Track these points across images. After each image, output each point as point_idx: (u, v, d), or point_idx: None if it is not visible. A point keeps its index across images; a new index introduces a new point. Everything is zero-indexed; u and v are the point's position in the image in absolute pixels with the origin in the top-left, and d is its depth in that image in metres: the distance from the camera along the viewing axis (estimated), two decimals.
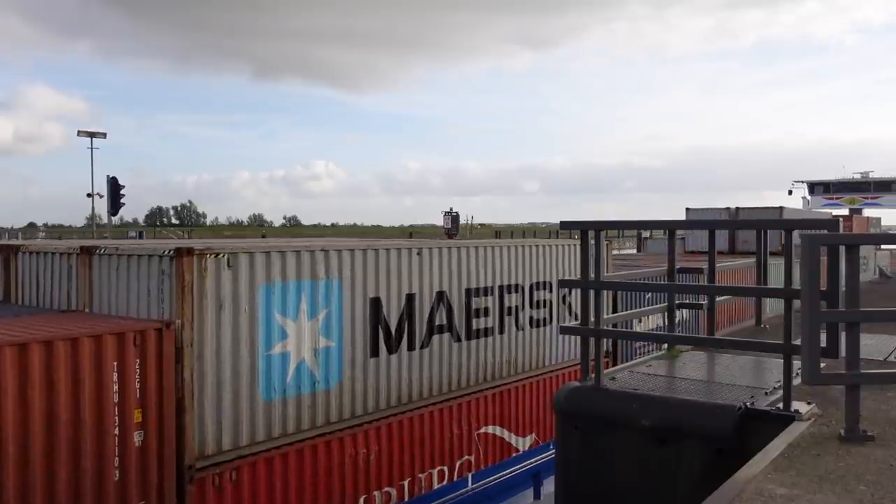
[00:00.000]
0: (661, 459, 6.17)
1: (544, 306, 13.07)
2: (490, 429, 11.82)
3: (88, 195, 46.33)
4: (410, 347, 10.38)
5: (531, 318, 12.76)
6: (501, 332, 12.05)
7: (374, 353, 9.87)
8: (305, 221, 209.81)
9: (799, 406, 5.98)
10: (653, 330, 14.05)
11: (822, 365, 5.29)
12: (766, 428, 5.66)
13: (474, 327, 11.50)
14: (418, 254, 10.48)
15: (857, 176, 59.54)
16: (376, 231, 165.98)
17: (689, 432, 6.05)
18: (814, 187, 59.50)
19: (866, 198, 57.66)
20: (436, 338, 10.80)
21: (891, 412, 5.97)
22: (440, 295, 10.87)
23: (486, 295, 11.73)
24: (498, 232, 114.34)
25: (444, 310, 10.94)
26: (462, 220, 74.03)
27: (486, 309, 11.75)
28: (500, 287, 12.02)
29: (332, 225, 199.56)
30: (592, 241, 7.03)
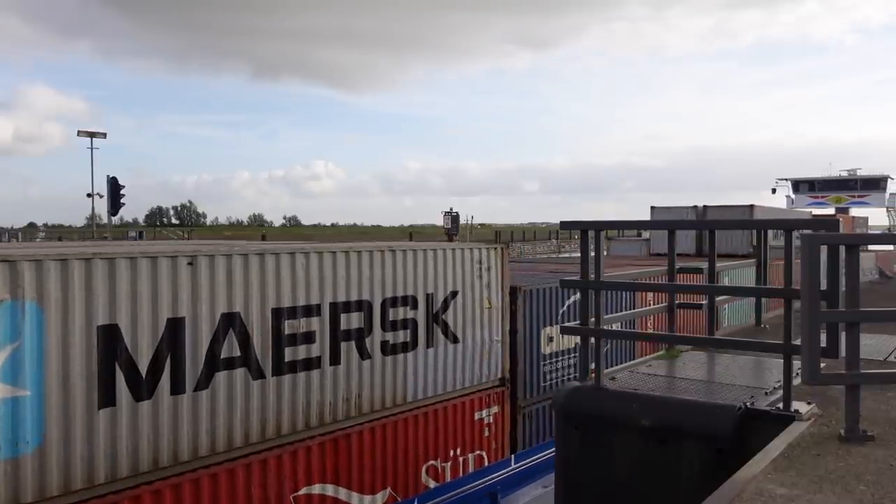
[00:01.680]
0: (661, 459, 6.17)
1: (405, 327, 10.36)
2: (317, 488, 9.15)
3: (88, 195, 46.39)
4: (176, 390, 7.72)
5: (385, 343, 10.08)
6: (335, 362, 9.38)
7: (109, 401, 7.24)
8: (305, 221, 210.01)
9: (799, 406, 5.98)
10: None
11: (822, 365, 5.29)
12: (766, 428, 5.66)
13: (288, 359, 8.82)
14: (189, 264, 7.83)
15: (844, 173, 57.30)
16: (376, 231, 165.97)
17: (689, 432, 6.05)
18: (798, 185, 57.32)
19: (853, 196, 55.56)
20: (221, 375, 8.13)
21: (891, 412, 5.97)
22: (228, 318, 8.22)
23: (307, 315, 9.06)
24: (498, 232, 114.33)
25: (236, 337, 8.30)
26: (462, 220, 74.09)
27: (310, 334, 9.11)
28: (334, 305, 9.36)
29: (332, 225, 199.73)
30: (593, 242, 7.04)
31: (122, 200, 42.83)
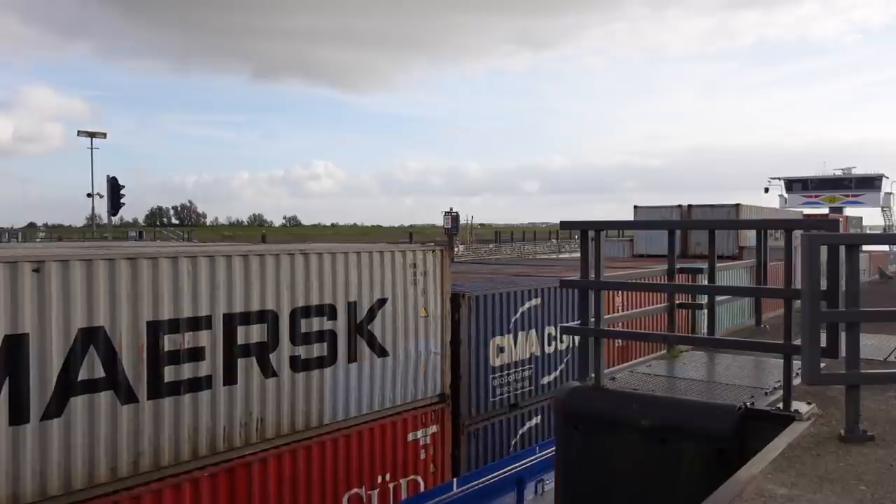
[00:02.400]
0: (661, 459, 6.17)
1: (321, 340, 9.13)
2: None
3: (88, 195, 46.45)
4: (17, 419, 6.58)
5: (295, 358, 8.86)
6: (230, 381, 8.12)
7: None
8: (306, 221, 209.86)
9: (799, 406, 5.99)
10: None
11: (822, 365, 5.29)
12: (766, 428, 5.66)
13: (169, 379, 7.65)
14: (35, 270, 6.67)
15: (839, 172, 55.82)
16: (376, 231, 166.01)
17: (689, 432, 6.05)
18: (791, 184, 56.01)
19: (847, 195, 54.26)
20: (78, 400, 6.97)
21: (891, 412, 5.98)
22: (89, 333, 7.04)
23: (194, 329, 7.88)
24: (498, 232, 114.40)
25: (99, 356, 7.15)
26: (462, 220, 74.16)
27: (198, 350, 7.91)
28: (229, 316, 8.13)
29: (333, 225, 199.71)
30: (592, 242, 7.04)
31: (122, 200, 42.90)
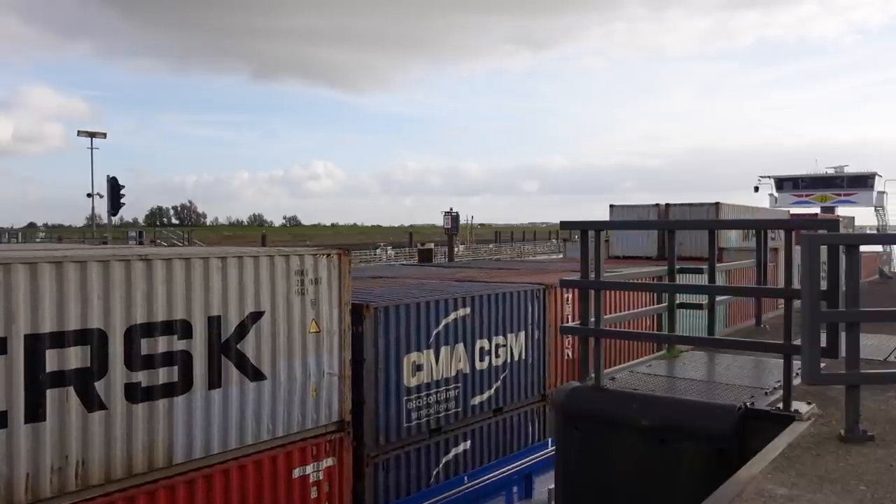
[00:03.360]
0: (661, 459, 6.17)
1: (169, 363, 7.67)
2: None
3: (88, 195, 46.41)
4: None
5: (133, 385, 7.37)
6: (35, 418, 6.65)
7: None
8: (305, 221, 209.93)
9: (799, 406, 5.99)
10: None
11: (822, 365, 5.29)
12: (766, 428, 5.67)
13: None
14: None
15: (831, 171, 53.57)
16: (376, 231, 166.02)
17: (689, 432, 6.05)
18: (782, 183, 53.65)
19: (839, 195, 51.90)
20: None
21: (891, 412, 5.98)
22: None
23: None
24: (498, 232, 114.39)
25: None
26: (462, 220, 74.11)
27: None
28: (33, 337, 6.68)
29: (333, 225, 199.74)
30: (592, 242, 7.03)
31: (122, 200, 42.87)
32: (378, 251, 76.49)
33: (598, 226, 7.04)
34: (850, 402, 5.27)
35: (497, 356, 12.19)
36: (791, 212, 41.27)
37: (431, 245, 64.43)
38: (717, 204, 22.87)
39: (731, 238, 23.18)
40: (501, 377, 12.26)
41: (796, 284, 5.57)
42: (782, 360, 6.08)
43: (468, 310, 11.47)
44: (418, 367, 10.63)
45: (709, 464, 5.87)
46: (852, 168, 52.89)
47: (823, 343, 5.40)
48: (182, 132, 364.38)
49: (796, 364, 5.78)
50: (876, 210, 52.08)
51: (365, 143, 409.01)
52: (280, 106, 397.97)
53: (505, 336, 12.38)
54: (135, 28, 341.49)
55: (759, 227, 9.67)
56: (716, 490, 4.37)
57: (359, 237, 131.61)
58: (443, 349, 11.05)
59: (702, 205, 23.10)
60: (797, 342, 5.46)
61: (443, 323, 11.05)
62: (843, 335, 5.39)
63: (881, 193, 52.19)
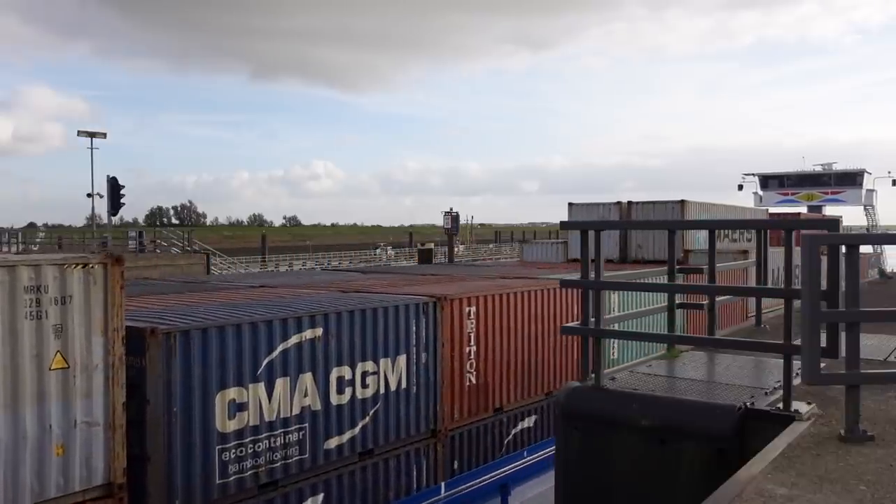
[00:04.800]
0: (661, 459, 6.17)
1: None
2: None
3: (88, 195, 46.35)
4: None
5: None
6: None
7: None
8: (305, 221, 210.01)
9: (799, 406, 5.99)
10: None
11: (822, 365, 5.29)
12: (766, 428, 5.66)
13: None
14: None
15: (819, 168, 51.34)
16: (377, 231, 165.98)
17: (689, 432, 6.05)
18: (767, 181, 51.37)
19: (826, 193, 49.63)
20: None
21: (891, 412, 5.98)
22: None
23: None
24: (498, 232, 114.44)
25: None
26: (462, 220, 74.09)
27: None
28: None
29: (333, 225, 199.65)
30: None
31: (122, 200, 42.83)
32: (378, 251, 76.50)
33: (597, 226, 7.04)
34: (850, 402, 5.26)
35: (364, 386, 10.06)
36: (770, 210, 39.62)
37: (431, 245, 64.43)
38: (682, 202, 21.85)
39: (700, 239, 22.00)
40: (371, 412, 10.14)
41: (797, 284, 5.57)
42: (782, 360, 6.08)
43: (320, 330, 9.40)
44: (239, 406, 8.52)
45: (709, 464, 5.86)
46: (842, 165, 50.65)
47: (823, 343, 5.40)
48: (181, 132, 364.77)
49: (796, 364, 5.77)
50: (865, 209, 50.12)
51: (365, 143, 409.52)
52: (280, 106, 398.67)
53: (376, 361, 10.22)
54: (134, 28, 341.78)
55: (759, 226, 9.67)
56: (716, 490, 4.37)
57: (359, 237, 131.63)
58: (279, 382, 8.93)
59: (666, 202, 22.14)
60: (797, 342, 5.46)
61: (279, 348, 8.95)
62: (843, 335, 5.39)
63: (870, 192, 50.20)
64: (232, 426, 8.47)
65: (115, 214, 45.18)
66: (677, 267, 7.98)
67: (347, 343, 9.85)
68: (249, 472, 8.64)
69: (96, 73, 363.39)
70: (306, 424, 9.31)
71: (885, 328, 9.19)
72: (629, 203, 22.57)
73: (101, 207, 44.85)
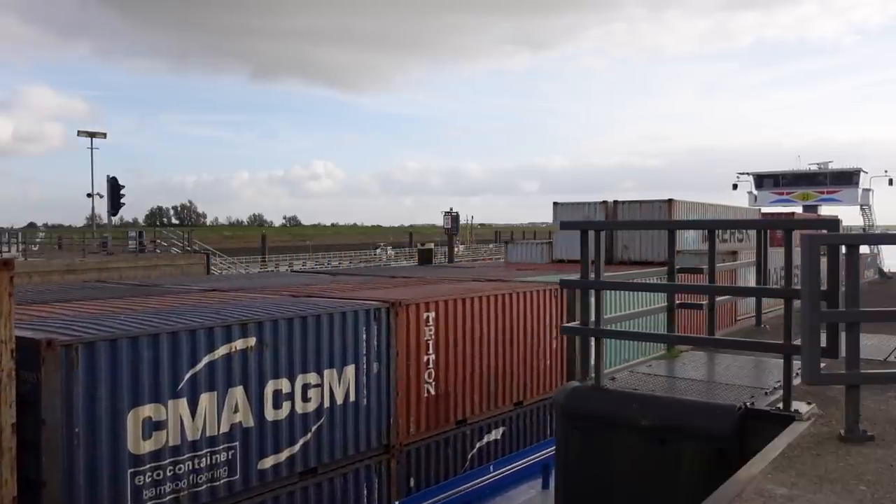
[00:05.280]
0: (661, 459, 6.17)
1: None
2: None
3: (88, 195, 46.35)
4: None
5: None
6: None
7: None
8: (305, 221, 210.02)
9: (799, 406, 5.99)
10: None
11: (822, 365, 5.29)
12: (766, 428, 5.67)
13: None
14: None
15: (814, 167, 50.37)
16: (377, 231, 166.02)
17: (689, 432, 6.05)
18: (762, 180, 50.48)
19: (822, 192, 48.75)
20: None
21: (891, 412, 5.98)
22: None
23: None
24: (498, 232, 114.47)
25: None
26: (462, 220, 74.10)
27: None
28: None
29: (333, 225, 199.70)
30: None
31: (122, 200, 42.84)
32: (378, 251, 76.50)
33: (597, 226, 7.04)
34: (850, 402, 5.26)
35: (305, 400, 9.39)
36: (763, 210, 38.78)
37: (431, 245, 64.44)
38: (669, 201, 21.56)
39: (689, 239, 21.78)
40: (314, 428, 9.45)
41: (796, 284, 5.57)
42: (782, 360, 6.08)
43: (253, 340, 8.74)
44: (157, 426, 7.84)
45: (709, 464, 5.86)
46: (839, 165, 49.70)
47: (823, 343, 5.40)
48: (182, 132, 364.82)
49: (796, 364, 5.78)
50: (862, 209, 49.15)
51: (365, 143, 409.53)
52: (280, 106, 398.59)
53: (319, 373, 9.51)
54: (134, 28, 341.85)
55: (759, 227, 9.67)
56: (716, 490, 4.37)
57: (359, 237, 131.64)
58: (204, 397, 8.26)
59: (653, 202, 21.91)
60: (797, 342, 5.46)
61: (204, 361, 8.26)
62: (843, 335, 5.39)
63: (867, 191, 49.29)
64: (147, 447, 7.75)
65: (115, 214, 45.20)
66: (677, 267, 7.97)
67: (286, 353, 9.13)
68: (169, 497, 7.94)
69: (96, 73, 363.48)
70: (236, 443, 8.61)
71: (885, 328, 9.19)
72: (615, 202, 22.31)
73: (101, 207, 44.90)
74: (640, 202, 22.21)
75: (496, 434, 12.71)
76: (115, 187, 42.29)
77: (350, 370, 9.96)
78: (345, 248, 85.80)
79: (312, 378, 9.46)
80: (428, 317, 11.26)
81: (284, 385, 9.13)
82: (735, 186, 51.24)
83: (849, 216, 47.09)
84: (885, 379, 6.67)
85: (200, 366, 8.26)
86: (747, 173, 51.06)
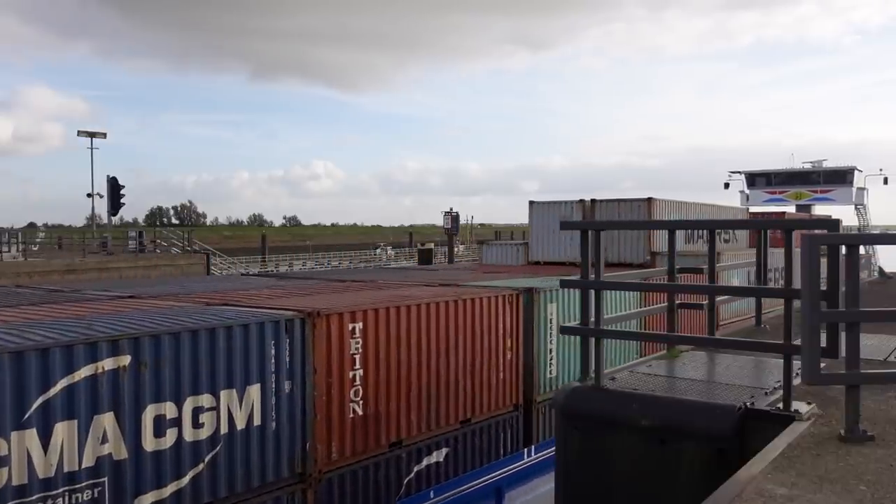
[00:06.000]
0: (661, 459, 6.17)
1: None
2: None
3: (88, 195, 46.35)
4: None
5: None
6: None
7: None
8: (305, 221, 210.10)
9: (799, 406, 5.99)
10: None
11: (822, 365, 5.29)
12: (766, 428, 5.66)
13: None
14: None
15: (808, 166, 49.28)
16: (377, 231, 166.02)
17: (689, 432, 6.05)
18: (754, 179, 49.49)
19: (816, 191, 47.74)
20: None
21: (891, 412, 5.97)
22: None
23: None
24: (498, 232, 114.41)
25: None
26: (462, 220, 74.15)
27: None
28: None
29: (333, 225, 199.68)
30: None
31: (122, 200, 42.85)
32: (378, 251, 76.52)
33: (597, 226, 7.04)
34: (850, 402, 5.26)
35: (197, 426, 8.26)
36: (752, 210, 38.36)
37: (431, 245, 64.46)
38: (649, 199, 21.16)
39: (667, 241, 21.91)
40: (207, 457, 8.41)
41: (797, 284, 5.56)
42: (782, 360, 6.08)
43: (127, 359, 7.64)
44: None
45: (709, 464, 5.86)
46: (833, 163, 48.64)
47: (823, 343, 5.40)
48: (182, 132, 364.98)
49: (796, 364, 5.77)
50: (857, 208, 48.15)
51: (365, 143, 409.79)
52: (279, 106, 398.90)
53: (214, 394, 8.41)
54: (133, 27, 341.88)
55: (759, 227, 9.67)
56: (716, 490, 4.37)
57: (359, 237, 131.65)
58: (60, 427, 7.13)
59: (632, 200, 21.55)
60: (797, 342, 5.46)
61: (61, 384, 7.13)
62: (843, 335, 5.39)
63: (861, 190, 48.27)
64: None
65: (115, 214, 45.20)
66: (677, 268, 7.97)
67: (172, 373, 8.03)
68: None
69: (96, 73, 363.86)
70: (105, 479, 7.46)
71: (885, 328, 9.19)
72: (592, 201, 21.98)
73: (101, 207, 44.90)
74: (619, 201, 21.90)
75: (438, 456, 11.63)
76: (115, 187, 42.31)
77: (255, 390, 8.86)
78: (345, 249, 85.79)
79: (206, 400, 8.35)
80: (354, 328, 10.12)
81: (169, 409, 8.01)
82: (727, 185, 50.32)
83: (843, 216, 45.83)
84: (885, 379, 6.67)
85: (55, 390, 7.10)
86: (739, 172, 50.09)
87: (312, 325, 9.53)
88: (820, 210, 46.54)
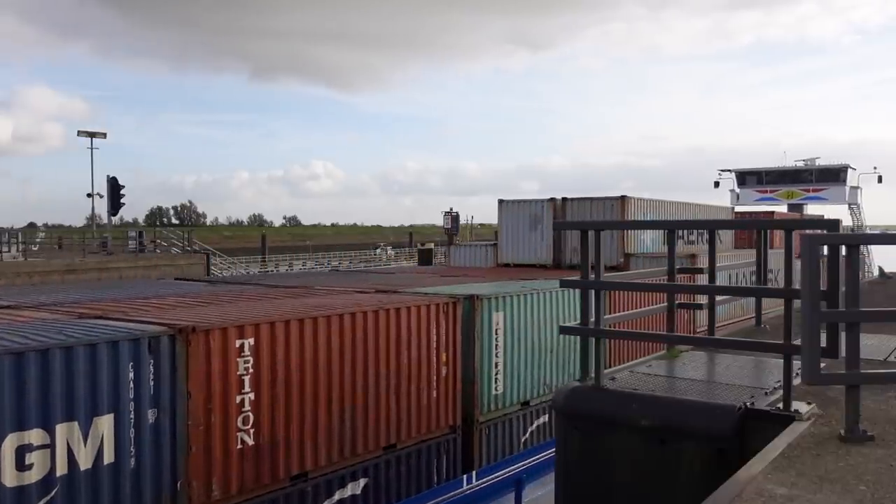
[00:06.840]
0: (661, 459, 6.17)
1: None
2: None
3: (88, 195, 46.37)
4: None
5: None
6: None
7: None
8: (305, 221, 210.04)
9: (799, 406, 5.99)
10: None
11: (822, 365, 5.29)
12: (766, 428, 5.66)
13: None
14: None
15: (800, 164, 48.25)
16: (377, 231, 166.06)
17: (689, 432, 6.05)
18: (745, 178, 48.46)
19: (808, 190, 46.66)
20: None
21: (891, 412, 5.97)
22: None
23: None
24: (497, 232, 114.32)
25: None
26: (462, 220, 74.13)
27: None
28: None
29: (333, 225, 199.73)
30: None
31: (122, 200, 42.88)
32: (378, 251, 76.50)
33: (597, 226, 7.04)
34: (850, 402, 5.26)
35: (22, 468, 6.96)
36: (737, 210, 37.71)
37: (431, 245, 64.46)
38: (622, 198, 20.58)
39: (646, 242, 21.07)
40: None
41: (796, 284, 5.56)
42: (782, 360, 6.08)
43: None
44: None
45: (709, 464, 5.86)
46: (827, 162, 47.59)
47: (823, 343, 5.40)
48: (182, 132, 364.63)
49: (796, 364, 5.77)
50: (850, 208, 46.94)
51: (364, 143, 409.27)
52: (279, 106, 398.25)
53: (48, 429, 7.16)
54: (133, 27, 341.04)
55: (759, 227, 9.67)
56: (716, 490, 4.37)
57: (359, 237, 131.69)
58: None
59: (605, 199, 21.04)
60: (797, 342, 5.46)
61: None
62: (843, 335, 5.39)
63: (855, 189, 47.13)
64: None
65: (115, 214, 45.22)
66: (678, 268, 7.98)
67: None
68: None
69: (96, 72, 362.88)
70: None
71: (885, 328, 9.19)
72: (563, 199, 21.51)
73: (101, 207, 44.93)
74: (592, 199, 21.35)
75: (354, 488, 10.46)
76: (115, 187, 42.34)
77: (105, 421, 7.55)
78: (345, 248, 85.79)
79: (35, 437, 7.04)
80: (243, 344, 8.94)
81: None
82: (717, 184, 49.35)
83: (837, 215, 43.42)
84: (885, 379, 6.66)
85: None
86: (729, 170, 49.13)
87: (186, 343, 8.31)
88: (812, 209, 45.63)
